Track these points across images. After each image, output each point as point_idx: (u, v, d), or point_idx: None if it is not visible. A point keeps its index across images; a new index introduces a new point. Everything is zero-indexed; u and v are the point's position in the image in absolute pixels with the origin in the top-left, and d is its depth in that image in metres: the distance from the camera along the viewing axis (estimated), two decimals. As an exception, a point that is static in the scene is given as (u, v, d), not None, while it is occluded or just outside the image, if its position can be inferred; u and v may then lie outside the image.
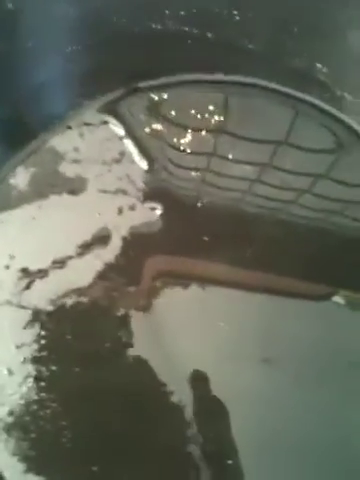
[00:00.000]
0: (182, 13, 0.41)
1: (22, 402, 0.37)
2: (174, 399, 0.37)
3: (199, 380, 0.38)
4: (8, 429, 0.37)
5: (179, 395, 0.37)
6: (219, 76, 0.44)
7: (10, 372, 0.38)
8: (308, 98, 0.44)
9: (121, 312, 0.39)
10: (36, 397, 0.37)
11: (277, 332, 0.39)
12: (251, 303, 0.40)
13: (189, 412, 0.37)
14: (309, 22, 0.42)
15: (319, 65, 0.43)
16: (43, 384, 0.38)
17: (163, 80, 0.44)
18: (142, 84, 0.44)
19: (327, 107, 0.43)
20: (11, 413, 0.37)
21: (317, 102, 0.44)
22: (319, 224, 0.43)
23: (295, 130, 0.44)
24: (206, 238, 0.41)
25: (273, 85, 0.44)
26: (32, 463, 0.36)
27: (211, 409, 0.37)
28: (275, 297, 0.40)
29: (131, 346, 0.38)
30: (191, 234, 0.41)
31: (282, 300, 0.40)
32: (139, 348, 0.38)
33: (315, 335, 0.39)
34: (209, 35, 0.42)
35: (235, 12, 0.41)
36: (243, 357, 0.38)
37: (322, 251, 0.42)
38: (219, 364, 0.38)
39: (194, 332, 0.39)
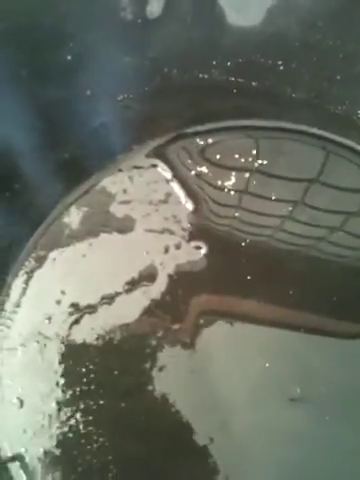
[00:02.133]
0: (228, 64, 0.43)
1: (70, 436, 0.38)
2: (207, 439, 0.38)
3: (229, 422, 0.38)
4: (56, 462, 0.38)
5: (213, 435, 0.38)
6: (261, 122, 0.46)
7: (59, 406, 0.39)
8: (347, 142, 0.45)
9: (166, 349, 0.40)
10: (84, 431, 0.38)
11: (309, 370, 0.40)
12: (287, 342, 0.41)
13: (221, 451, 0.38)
14: (351, 70, 0.43)
15: (360, 111, 0.44)
16: (91, 418, 0.39)
17: (208, 126, 0.46)
18: (189, 130, 0.46)
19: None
20: (59, 446, 0.38)
21: (355, 145, 0.45)
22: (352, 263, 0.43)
23: (331, 171, 0.45)
24: (249, 277, 0.42)
25: (314, 130, 0.45)
26: (79, 497, 0.37)
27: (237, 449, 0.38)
28: (309, 336, 0.41)
29: (174, 383, 0.39)
30: (234, 273, 0.43)
31: (315, 339, 0.41)
32: (181, 386, 0.39)
33: (344, 373, 0.39)
34: (253, 84, 0.44)
35: (279, 62, 0.43)
36: (272, 396, 0.39)
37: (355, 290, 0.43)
38: (249, 403, 0.39)
39: (231, 369, 0.40)
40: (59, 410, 0.39)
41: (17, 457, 0.38)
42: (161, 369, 0.40)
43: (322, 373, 0.39)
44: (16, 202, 0.41)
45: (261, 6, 0.41)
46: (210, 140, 0.46)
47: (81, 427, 0.39)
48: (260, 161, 0.46)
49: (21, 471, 0.38)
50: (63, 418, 0.39)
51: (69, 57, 0.40)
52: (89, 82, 0.41)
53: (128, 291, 0.42)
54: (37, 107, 0.37)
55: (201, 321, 0.41)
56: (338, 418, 0.38)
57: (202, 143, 0.46)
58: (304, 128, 0.46)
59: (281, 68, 0.44)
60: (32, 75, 0.38)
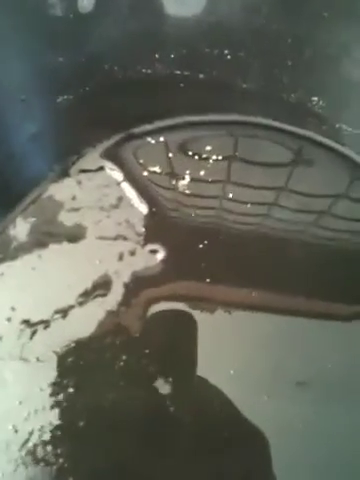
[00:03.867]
0: (172, 56, 0.41)
1: (28, 458, 0.37)
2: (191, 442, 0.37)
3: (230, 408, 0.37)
4: (12, 487, 0.36)
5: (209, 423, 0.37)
6: (213, 117, 0.44)
7: (15, 428, 0.38)
8: (306, 133, 0.43)
9: (124, 360, 0.39)
10: (42, 452, 0.37)
11: (308, 355, 0.39)
12: (285, 328, 0.40)
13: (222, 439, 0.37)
14: (301, 55, 0.41)
15: (315, 98, 0.42)
16: (48, 438, 0.37)
17: (158, 124, 0.44)
18: (137, 129, 0.44)
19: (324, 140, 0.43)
20: (17, 469, 0.37)
21: (314, 135, 0.43)
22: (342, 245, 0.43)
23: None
24: (208, 280, 0.41)
25: (270, 122, 0.44)
26: None
27: (246, 435, 0.37)
28: (306, 320, 0.40)
29: (135, 393, 0.38)
30: (194, 275, 0.41)
31: (313, 322, 0.40)
32: (146, 394, 0.38)
33: (346, 355, 0.39)
34: (201, 76, 0.42)
35: (226, 51, 0.41)
36: (277, 382, 0.38)
37: (348, 271, 0.42)
38: (254, 390, 0.38)
39: (206, 371, 0.38)
40: (16, 431, 0.38)
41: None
42: (119, 382, 0.38)
43: (324, 356, 0.39)
44: None
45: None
46: (161, 138, 0.44)
47: (39, 448, 0.37)
48: (215, 157, 0.44)
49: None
50: (20, 440, 0.38)
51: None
52: (23, 86, 0.39)
53: (82, 303, 0.41)
54: None
55: (163, 327, 0.40)
56: (343, 399, 0.38)
57: (153, 142, 0.44)
58: (258, 120, 0.44)
59: (228, 57, 0.42)
60: None
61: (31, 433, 0.38)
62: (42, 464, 0.37)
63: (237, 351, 0.39)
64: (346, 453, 0.36)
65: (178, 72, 0.42)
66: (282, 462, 0.36)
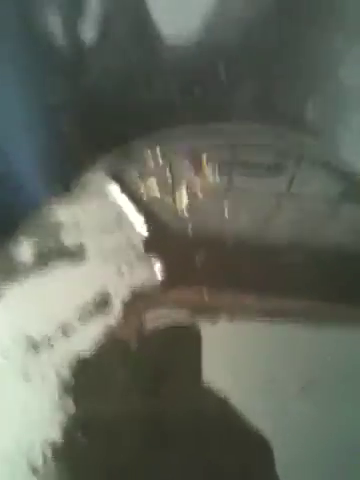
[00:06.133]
0: (169, 79, 0.43)
1: (29, 468, 0.37)
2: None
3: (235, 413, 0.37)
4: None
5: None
6: (210, 126, 0.46)
7: (17, 440, 0.38)
8: (303, 139, 0.45)
9: (123, 374, 0.39)
10: (42, 464, 0.37)
11: (312, 358, 0.39)
12: (288, 332, 0.40)
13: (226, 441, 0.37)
14: (295, 67, 0.43)
15: (310, 106, 0.44)
16: (48, 451, 0.38)
17: (155, 135, 0.46)
18: (136, 150, 0.46)
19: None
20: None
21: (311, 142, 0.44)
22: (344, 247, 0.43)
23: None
24: (207, 289, 0.41)
25: (262, 128, 0.45)
26: None
27: (249, 436, 0.37)
28: (307, 323, 0.41)
29: (135, 405, 0.39)
30: (193, 286, 0.42)
31: (313, 325, 0.41)
32: (145, 405, 0.38)
33: (349, 357, 0.39)
34: (197, 95, 0.44)
35: (221, 69, 0.43)
36: (281, 385, 0.38)
37: (349, 273, 0.42)
38: (258, 394, 0.38)
39: (222, 371, 0.39)
40: (17, 443, 0.38)
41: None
42: (125, 396, 0.39)
43: (327, 358, 0.39)
44: None
45: (194, 20, 0.41)
46: (159, 158, 0.46)
47: (39, 460, 0.38)
48: (212, 167, 0.45)
49: None
50: (22, 451, 0.38)
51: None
52: (26, 114, 0.41)
53: (84, 320, 0.42)
54: None
55: (164, 338, 0.40)
56: (346, 399, 0.38)
57: (152, 162, 0.46)
58: (251, 127, 0.45)
59: (222, 75, 0.43)
60: None
61: (32, 445, 0.38)
62: (41, 474, 0.37)
63: (239, 357, 0.39)
64: (349, 451, 0.36)
65: (175, 93, 0.44)
66: (284, 461, 0.36)
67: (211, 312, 0.41)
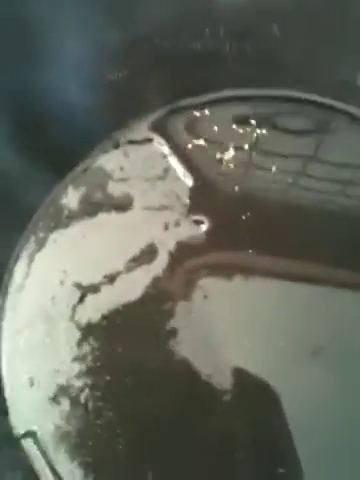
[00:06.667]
0: (221, 32, 0.43)
1: (79, 411, 0.41)
2: (227, 396, 0.40)
3: (248, 375, 0.40)
4: (67, 437, 0.40)
5: (230, 390, 0.40)
6: (256, 91, 0.46)
7: (67, 383, 0.41)
8: (346, 108, 0.45)
9: (169, 323, 0.42)
10: (92, 406, 0.41)
11: (324, 323, 0.41)
12: (305, 296, 0.42)
13: (239, 405, 0.40)
14: (348, 32, 0.43)
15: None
16: (98, 394, 0.41)
17: (203, 98, 0.46)
18: (184, 102, 0.46)
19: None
20: (69, 422, 0.41)
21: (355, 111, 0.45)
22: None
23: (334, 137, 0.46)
24: (250, 250, 0.43)
25: (313, 97, 0.45)
26: (90, 469, 0.39)
27: (262, 401, 0.40)
28: (326, 288, 0.42)
29: (180, 353, 0.41)
30: (236, 245, 0.44)
31: (332, 291, 0.42)
32: (188, 354, 0.41)
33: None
34: (248, 51, 0.44)
35: (274, 27, 0.43)
36: (292, 351, 0.41)
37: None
38: (269, 359, 0.41)
39: (243, 331, 0.42)
40: (67, 387, 0.41)
41: (30, 434, 0.41)
42: (165, 342, 0.41)
43: (337, 326, 0.41)
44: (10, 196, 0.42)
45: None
46: (207, 112, 0.46)
47: (89, 403, 0.41)
48: (259, 131, 0.46)
49: (34, 447, 0.41)
50: (72, 394, 0.41)
51: (60, 38, 0.40)
52: (78, 61, 0.41)
53: (129, 269, 0.44)
54: (17, 95, 0.38)
55: (206, 292, 0.43)
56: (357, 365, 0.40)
57: (198, 115, 0.46)
58: (301, 95, 0.46)
59: (277, 33, 0.43)
60: (13, 61, 0.38)
61: (82, 389, 0.41)
62: (92, 417, 0.41)
63: (253, 316, 0.42)
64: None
65: (227, 48, 0.44)
66: (295, 422, 0.39)
67: (245, 271, 0.43)
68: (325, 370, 0.40)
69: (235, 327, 0.42)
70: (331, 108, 0.46)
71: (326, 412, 0.39)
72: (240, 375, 0.40)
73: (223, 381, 0.40)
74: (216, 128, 0.46)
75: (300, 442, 0.39)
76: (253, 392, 0.41)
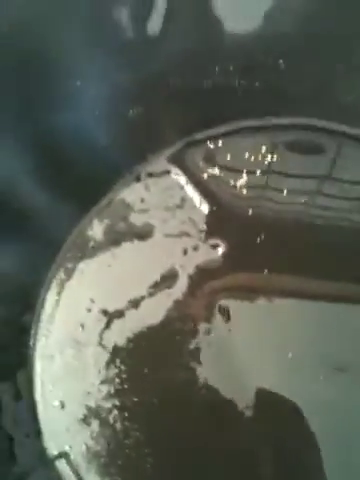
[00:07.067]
0: (230, 68, 0.46)
1: (109, 432, 0.43)
2: (250, 414, 0.42)
3: (271, 394, 0.42)
4: (98, 457, 0.42)
5: (253, 408, 0.42)
6: (267, 121, 0.48)
7: (97, 405, 0.43)
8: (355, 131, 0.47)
9: (192, 344, 0.44)
10: (120, 427, 0.43)
11: (348, 340, 0.43)
12: (327, 314, 0.44)
13: (264, 423, 0.42)
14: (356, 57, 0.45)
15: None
16: (126, 414, 0.43)
17: (217, 130, 0.49)
18: (198, 135, 0.49)
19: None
20: (99, 442, 0.43)
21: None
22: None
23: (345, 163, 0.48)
24: (266, 271, 0.45)
25: (322, 123, 0.47)
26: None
27: (285, 419, 0.42)
28: (342, 305, 0.44)
29: (202, 374, 0.44)
30: (253, 267, 0.46)
31: (349, 307, 0.44)
32: (211, 375, 0.43)
33: None
34: (257, 85, 0.46)
35: (280, 61, 0.45)
36: (317, 367, 0.42)
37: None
38: (294, 376, 0.42)
39: (264, 349, 0.44)
40: (97, 409, 0.44)
41: (62, 454, 0.43)
42: (188, 363, 0.44)
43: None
44: (36, 229, 0.45)
45: (258, 11, 0.43)
46: (220, 143, 0.49)
47: (118, 423, 0.43)
48: (270, 157, 0.48)
49: (67, 467, 0.43)
50: (101, 416, 0.43)
51: (78, 83, 0.43)
52: (97, 102, 0.44)
53: (152, 294, 0.46)
54: (41, 136, 0.42)
55: (223, 315, 0.44)
56: None
57: (212, 147, 0.49)
58: (313, 122, 0.48)
59: (283, 66, 0.46)
60: (37, 105, 0.41)
61: (110, 410, 0.43)
62: (120, 437, 0.43)
63: (286, 336, 0.44)
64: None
65: (236, 82, 0.47)
66: (321, 439, 0.40)
67: (265, 292, 0.45)
68: (351, 386, 0.42)
69: (256, 346, 0.43)
70: (343, 134, 0.48)
71: (352, 428, 0.41)
72: (263, 393, 0.42)
73: (246, 399, 0.42)
74: (229, 157, 0.48)
75: (327, 459, 0.40)
76: (277, 410, 0.42)
